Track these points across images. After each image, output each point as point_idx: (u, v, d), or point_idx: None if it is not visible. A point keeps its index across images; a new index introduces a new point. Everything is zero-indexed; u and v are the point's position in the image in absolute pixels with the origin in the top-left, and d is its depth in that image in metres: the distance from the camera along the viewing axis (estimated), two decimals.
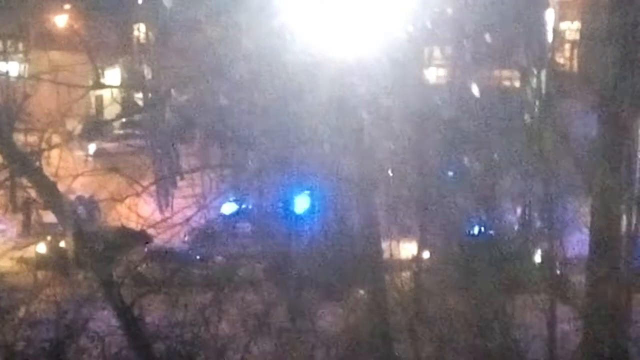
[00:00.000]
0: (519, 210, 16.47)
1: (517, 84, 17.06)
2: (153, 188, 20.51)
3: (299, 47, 13.74)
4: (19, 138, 15.35)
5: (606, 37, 14.30)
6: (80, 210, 17.28)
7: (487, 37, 16.21)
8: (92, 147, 27.71)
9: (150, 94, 26.15)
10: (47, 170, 14.16)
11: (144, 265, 16.38)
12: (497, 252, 14.94)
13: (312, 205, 17.71)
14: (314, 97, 14.05)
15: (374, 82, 14.13)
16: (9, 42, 27.49)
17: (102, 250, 13.85)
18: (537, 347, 15.02)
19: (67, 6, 29.11)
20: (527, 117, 16.17)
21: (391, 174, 15.41)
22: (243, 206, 18.52)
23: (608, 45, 14.31)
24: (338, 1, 13.49)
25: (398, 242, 16.06)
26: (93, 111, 27.46)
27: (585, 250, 14.67)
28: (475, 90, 16.16)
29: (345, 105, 14.01)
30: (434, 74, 17.99)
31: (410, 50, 14.56)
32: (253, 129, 15.69)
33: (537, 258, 16.13)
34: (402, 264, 16.08)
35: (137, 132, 30.30)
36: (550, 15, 17.42)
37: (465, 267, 14.81)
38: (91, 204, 20.10)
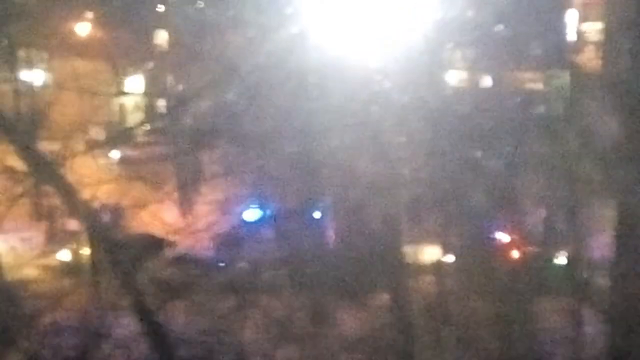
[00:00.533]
0: (542, 212, 16.36)
1: (540, 84, 16.95)
2: (176, 195, 20.54)
3: (316, 46, 13.70)
4: (43, 146, 15.42)
5: (629, 33, 14.20)
6: (104, 217, 17.33)
7: (509, 37, 16.13)
8: (115, 155, 27.76)
9: (172, 101, 26.18)
10: (71, 178, 14.22)
11: (167, 272, 16.42)
12: (521, 255, 14.89)
13: (331, 208, 17.67)
14: (333, 98, 14.02)
15: (392, 81, 14.08)
16: (31, 51, 27.62)
17: (125, 257, 13.90)
18: (563, 351, 14.92)
19: (89, 14, 29.24)
20: (549, 117, 16.07)
21: (409, 174, 15.35)
22: (266, 211, 18.50)
23: (631, 42, 14.21)
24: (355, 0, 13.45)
25: (419, 244, 16.01)
26: (116, 118, 27.51)
27: (610, 252, 14.56)
28: (497, 91, 16.08)
29: (363, 104, 13.97)
30: (455, 76, 17.90)
31: (429, 50, 14.50)
32: (273, 133, 15.68)
33: (561, 260, 16.03)
34: (425, 268, 16.02)
35: (159, 139, 30.28)
36: (573, 15, 17.32)
37: (489, 271, 14.73)
38: (114, 211, 20.12)
